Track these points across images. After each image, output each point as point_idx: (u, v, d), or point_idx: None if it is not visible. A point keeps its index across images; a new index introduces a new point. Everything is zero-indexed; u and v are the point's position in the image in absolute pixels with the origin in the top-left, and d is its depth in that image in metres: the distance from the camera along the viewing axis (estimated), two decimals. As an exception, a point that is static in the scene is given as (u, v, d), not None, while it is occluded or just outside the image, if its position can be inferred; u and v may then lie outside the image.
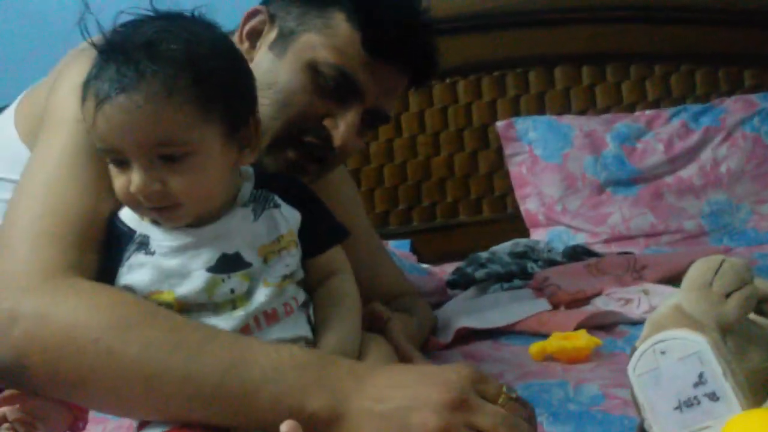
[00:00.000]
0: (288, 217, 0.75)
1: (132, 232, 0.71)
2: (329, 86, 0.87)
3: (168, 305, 0.68)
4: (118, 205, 0.73)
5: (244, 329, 0.70)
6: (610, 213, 1.85)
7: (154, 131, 0.66)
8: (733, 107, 1.96)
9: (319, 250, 0.79)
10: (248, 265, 0.71)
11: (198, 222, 0.71)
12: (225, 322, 0.69)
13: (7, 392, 0.66)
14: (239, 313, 0.70)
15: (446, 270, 1.61)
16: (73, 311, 0.65)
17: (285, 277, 0.74)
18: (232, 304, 0.70)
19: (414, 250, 1.90)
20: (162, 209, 0.69)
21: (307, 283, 0.78)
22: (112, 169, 0.69)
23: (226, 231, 0.71)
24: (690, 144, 1.91)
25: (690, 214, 1.85)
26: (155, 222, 0.71)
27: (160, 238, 0.70)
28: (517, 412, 0.63)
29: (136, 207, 0.70)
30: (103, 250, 0.72)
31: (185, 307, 0.69)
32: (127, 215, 0.72)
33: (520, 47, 2.01)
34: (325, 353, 0.70)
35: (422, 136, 2.01)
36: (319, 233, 0.78)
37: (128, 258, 0.70)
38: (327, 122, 0.88)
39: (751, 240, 1.77)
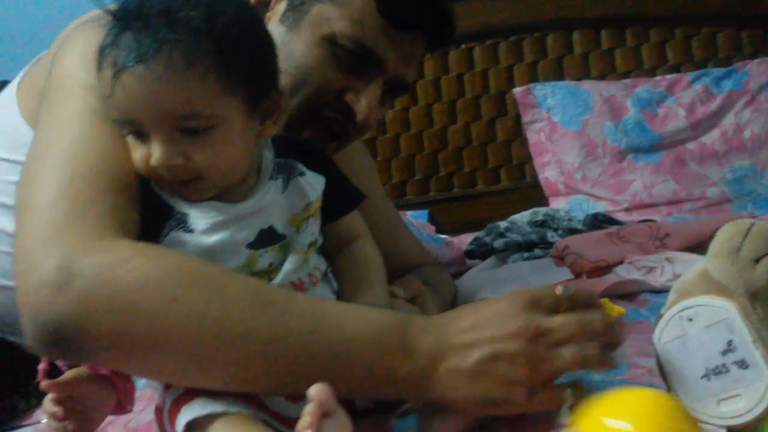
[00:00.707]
0: (314, 184, 0.74)
1: (170, 209, 0.67)
2: (348, 59, 0.85)
3: None
4: None
5: None
6: (632, 180, 1.82)
7: (175, 104, 0.64)
8: (756, 70, 1.92)
9: (338, 215, 0.78)
10: (282, 237, 0.70)
11: (233, 196, 0.69)
12: None
13: (45, 382, 0.64)
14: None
15: (464, 240, 1.60)
16: (142, 269, 0.60)
17: (310, 245, 0.73)
18: (268, 275, 0.69)
19: (432, 220, 1.89)
20: (184, 182, 0.67)
21: (325, 249, 0.77)
22: (131, 141, 0.67)
23: (261, 206, 0.70)
24: (712, 109, 1.87)
25: (713, 180, 1.82)
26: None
27: (198, 216, 0.67)
28: (583, 308, 0.64)
29: (154, 179, 0.68)
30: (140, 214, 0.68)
31: None
32: (160, 188, 0.69)
33: (538, 11, 1.97)
34: (396, 313, 0.68)
35: (438, 105, 1.98)
36: (338, 197, 0.77)
37: (166, 234, 0.67)
38: (348, 96, 0.87)
39: (776, 206, 1.74)
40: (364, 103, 0.86)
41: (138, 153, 0.66)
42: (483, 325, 0.63)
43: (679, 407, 0.44)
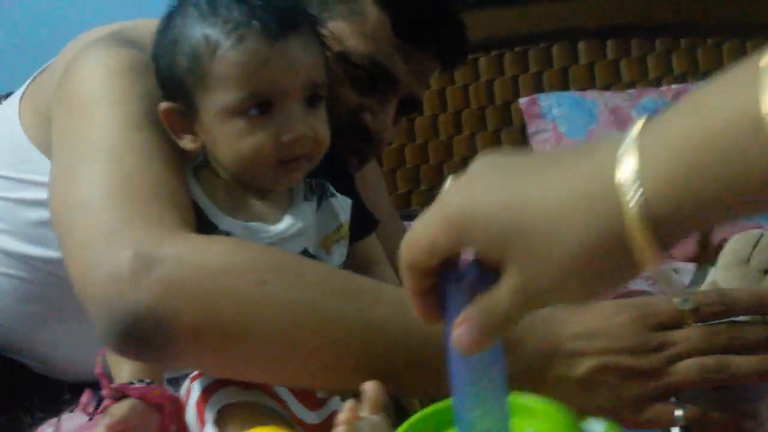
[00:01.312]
0: (344, 206, 0.73)
1: (214, 225, 0.65)
2: (363, 78, 0.84)
3: None
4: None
5: None
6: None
7: (316, 71, 0.66)
8: (762, 80, 1.91)
9: (359, 236, 0.76)
10: (312, 256, 0.68)
11: (268, 218, 0.68)
12: None
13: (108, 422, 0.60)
14: None
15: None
16: (224, 255, 0.57)
17: (339, 267, 0.71)
18: None
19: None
20: (299, 160, 0.66)
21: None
22: (246, 125, 0.64)
23: (299, 228, 0.68)
24: (719, 117, 1.86)
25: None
26: (227, 212, 0.66)
27: (242, 237, 0.65)
28: (710, 309, 0.58)
29: (265, 164, 0.65)
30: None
31: None
32: (201, 201, 0.67)
33: (543, 21, 1.97)
34: None
35: (444, 115, 1.98)
36: (360, 218, 0.76)
37: None
38: (363, 116, 0.86)
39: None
40: (379, 121, 0.86)
41: (261, 134, 0.64)
42: (596, 335, 0.59)
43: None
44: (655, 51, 2.01)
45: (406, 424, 0.45)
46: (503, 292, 0.39)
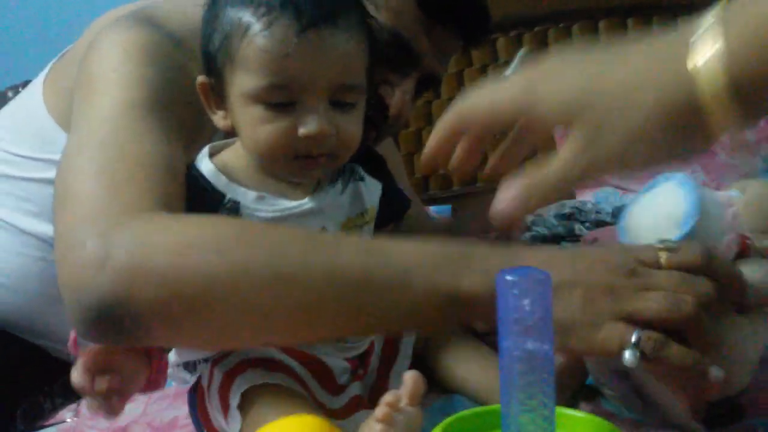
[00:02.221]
0: (372, 190, 0.73)
1: (220, 195, 0.65)
2: (384, 53, 0.83)
3: None
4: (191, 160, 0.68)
5: None
6: (659, 171, 1.78)
7: (348, 71, 0.64)
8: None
9: (388, 222, 0.76)
10: None
11: (292, 194, 0.67)
12: None
13: (83, 351, 0.60)
14: None
15: (490, 236, 1.58)
16: (181, 233, 0.59)
17: None
18: None
19: (455, 214, 1.87)
20: (314, 158, 0.65)
21: None
22: (265, 113, 0.63)
23: (319, 206, 0.67)
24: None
25: (744, 170, 1.77)
26: (243, 184, 0.66)
27: (251, 207, 0.65)
28: (687, 265, 0.56)
29: (281, 156, 0.65)
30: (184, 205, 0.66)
31: None
32: (210, 172, 0.67)
33: (563, 0, 1.94)
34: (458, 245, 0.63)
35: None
36: (390, 204, 0.75)
37: None
38: (381, 89, 0.85)
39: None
40: (398, 97, 0.85)
41: (279, 125, 0.63)
42: (565, 258, 0.58)
43: None
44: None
45: (444, 423, 0.44)
46: (566, 152, 0.40)
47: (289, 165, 0.66)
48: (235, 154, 0.69)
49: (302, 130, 0.63)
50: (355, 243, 0.61)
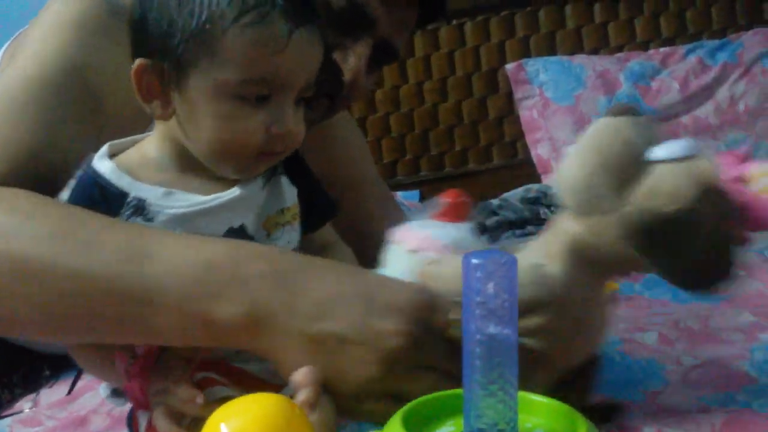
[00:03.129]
0: (291, 188, 0.69)
1: (123, 194, 0.61)
2: (338, 16, 0.80)
3: None
4: (87, 148, 0.65)
5: None
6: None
7: (315, 68, 0.63)
8: (751, 41, 1.89)
9: (316, 226, 0.72)
10: (251, 239, 0.64)
11: (203, 188, 0.63)
12: None
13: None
14: None
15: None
16: None
17: None
18: None
19: (423, 200, 1.87)
20: (271, 155, 0.63)
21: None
22: (237, 108, 0.60)
23: (232, 201, 0.64)
24: (706, 81, 1.85)
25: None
26: (149, 182, 0.62)
27: (158, 203, 0.61)
28: None
29: (245, 153, 0.62)
30: (47, 189, 0.62)
31: None
32: (109, 171, 0.62)
33: (529, -15, 1.94)
34: (249, 243, 0.60)
35: (429, 83, 1.95)
36: (317, 208, 0.72)
37: (125, 221, 0.61)
38: (336, 55, 0.83)
39: (771, 179, 1.72)
40: (351, 62, 0.82)
41: (251, 121, 0.60)
42: (357, 299, 0.54)
43: (300, 413, 0.41)
44: (643, 14, 1.98)
45: (404, 409, 0.43)
46: None
47: (245, 161, 0.62)
48: (139, 152, 0.65)
49: (275, 129, 0.60)
50: (124, 245, 0.57)
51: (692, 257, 0.55)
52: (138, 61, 0.61)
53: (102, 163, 0.62)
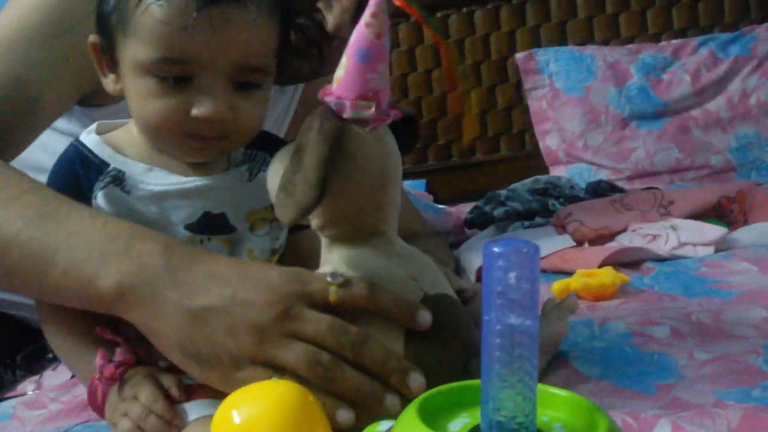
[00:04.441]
0: None
1: (104, 164, 0.62)
2: None
3: None
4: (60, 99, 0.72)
5: None
6: (634, 148, 1.79)
7: (252, 51, 0.60)
8: (764, 35, 1.87)
9: (299, 228, 0.70)
10: (232, 229, 0.65)
11: (184, 171, 0.64)
12: None
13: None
14: None
15: (463, 210, 1.57)
16: None
17: (274, 252, 0.68)
18: None
19: (429, 189, 1.85)
20: (208, 140, 0.62)
21: (283, 262, 0.70)
22: (157, 87, 0.59)
23: (214, 187, 0.64)
24: (718, 75, 1.83)
25: (717, 148, 1.78)
26: (132, 158, 0.64)
27: (138, 178, 0.62)
28: (353, 301, 0.55)
29: (170, 133, 0.61)
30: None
31: None
32: (93, 143, 0.64)
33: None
34: (153, 230, 0.60)
35: (437, 71, 1.94)
36: None
37: (102, 188, 0.62)
38: (320, 4, 0.80)
39: (782, 175, 1.71)
40: (336, 11, 0.80)
41: (171, 101, 0.60)
42: (235, 281, 0.55)
43: (313, 402, 0.40)
44: (654, 5, 1.97)
45: (419, 400, 0.42)
46: None
47: (178, 142, 0.62)
48: (126, 131, 0.66)
49: (195, 111, 0.59)
50: (39, 205, 0.60)
51: None
52: (90, 38, 0.64)
53: (88, 137, 0.64)
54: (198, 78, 0.59)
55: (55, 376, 0.83)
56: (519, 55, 1.90)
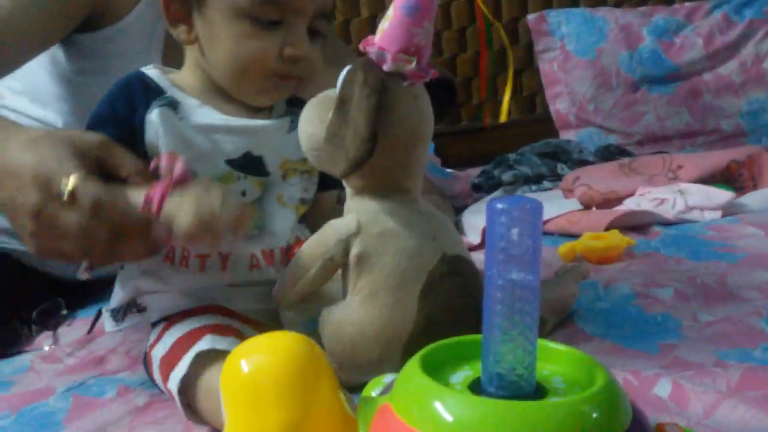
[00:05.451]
0: None
1: (162, 90, 0.66)
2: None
3: None
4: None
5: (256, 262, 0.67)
6: (645, 112, 1.78)
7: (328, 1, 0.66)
8: (780, -3, 1.84)
9: (327, 187, 0.74)
10: (267, 173, 0.68)
11: (231, 111, 0.67)
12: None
13: None
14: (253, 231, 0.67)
15: (471, 174, 1.57)
16: None
17: (303, 201, 0.71)
18: None
19: (438, 153, 1.85)
20: (291, 79, 0.67)
21: (308, 220, 0.73)
22: (251, 29, 0.64)
23: (258, 130, 0.67)
24: (731, 38, 1.81)
25: (728, 113, 1.77)
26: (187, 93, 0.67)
27: (189, 110, 0.66)
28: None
29: (258, 73, 0.65)
30: None
31: None
32: (154, 74, 0.67)
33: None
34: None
35: (447, 32, 1.92)
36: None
37: (159, 106, 0.65)
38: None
39: (792, 140, 1.70)
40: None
41: (263, 42, 0.64)
42: (17, 172, 0.57)
43: (320, 354, 0.41)
44: (669, -33, 1.94)
45: (422, 353, 0.43)
46: None
47: (262, 82, 0.66)
48: (179, 76, 0.69)
49: (288, 51, 0.64)
50: None
51: None
52: None
53: (149, 70, 0.68)
54: (288, 21, 0.64)
55: (71, 333, 0.85)
56: (530, 17, 1.88)
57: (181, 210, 0.54)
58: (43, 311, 0.91)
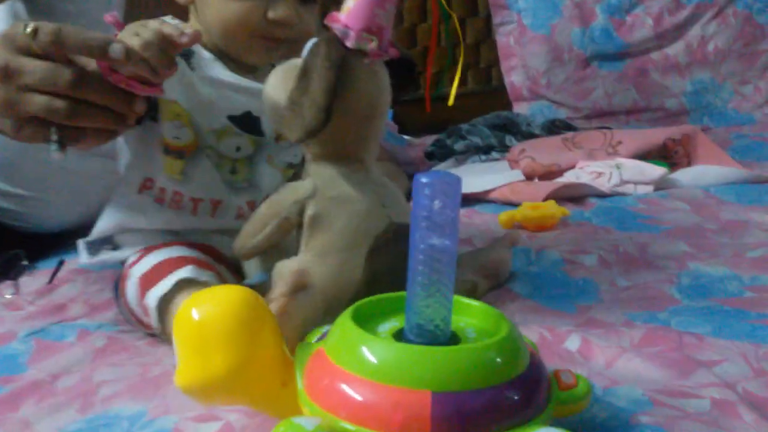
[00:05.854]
0: None
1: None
2: None
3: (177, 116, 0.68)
4: None
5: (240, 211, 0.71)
6: (593, 88, 1.84)
7: None
8: (727, -18, 1.91)
9: None
10: (262, 134, 0.72)
11: (237, 71, 0.71)
12: (227, 185, 0.71)
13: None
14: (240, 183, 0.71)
15: (427, 143, 1.62)
16: None
17: (290, 165, 0.75)
18: (232, 165, 0.71)
19: (396, 120, 1.90)
20: (279, 41, 0.69)
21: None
22: None
23: (254, 89, 0.70)
24: (679, 20, 1.88)
25: (673, 92, 1.85)
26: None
27: (201, 61, 0.69)
28: (45, 46, 0.57)
29: (244, 34, 0.69)
30: None
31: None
32: (176, 23, 0.69)
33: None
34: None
35: (409, 2, 1.95)
36: None
37: None
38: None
39: (731, 120, 1.78)
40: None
41: (249, 4, 0.68)
42: None
43: (265, 306, 0.48)
44: (625, -54, 1.98)
45: (353, 308, 0.49)
46: None
47: (250, 43, 0.70)
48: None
49: (271, 14, 0.67)
50: None
51: None
52: None
53: (170, 19, 0.68)
54: None
55: (32, 282, 0.88)
56: (489, -10, 1.93)
57: (131, 33, 0.58)
58: (3, 262, 0.93)
